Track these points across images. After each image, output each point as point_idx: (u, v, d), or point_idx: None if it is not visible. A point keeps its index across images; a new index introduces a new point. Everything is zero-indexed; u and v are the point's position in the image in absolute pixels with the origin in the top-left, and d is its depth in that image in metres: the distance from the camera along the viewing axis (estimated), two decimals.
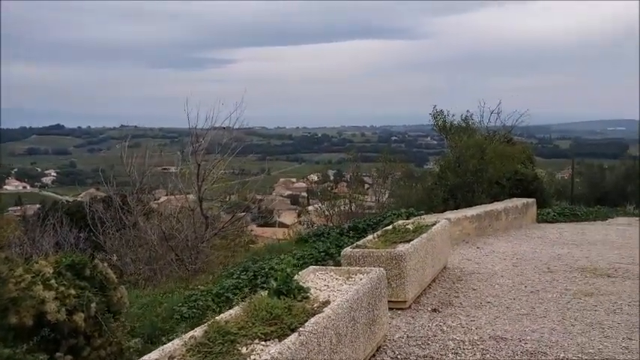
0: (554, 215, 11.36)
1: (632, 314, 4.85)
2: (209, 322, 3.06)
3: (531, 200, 10.73)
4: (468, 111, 13.62)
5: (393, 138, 75.92)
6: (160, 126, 64.48)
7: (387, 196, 15.03)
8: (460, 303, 5.34)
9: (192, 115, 9.97)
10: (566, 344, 4.19)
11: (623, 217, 11.98)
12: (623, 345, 4.16)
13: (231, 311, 3.35)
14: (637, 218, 11.74)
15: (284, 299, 3.45)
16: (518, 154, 13.68)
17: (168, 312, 5.22)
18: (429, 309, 5.19)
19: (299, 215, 21.03)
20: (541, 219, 10.97)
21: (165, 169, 13.57)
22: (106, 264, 4.40)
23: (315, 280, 4.14)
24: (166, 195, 13.88)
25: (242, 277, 6.32)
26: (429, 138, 54.76)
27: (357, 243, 5.73)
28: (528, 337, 4.35)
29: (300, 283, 3.81)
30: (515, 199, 10.85)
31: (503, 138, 13.88)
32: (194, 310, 5.21)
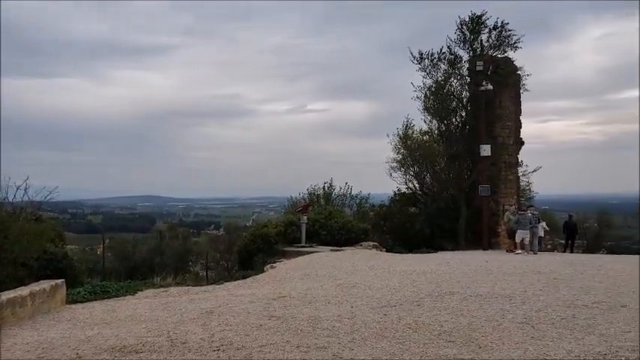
0: (85, 294, 11.11)
1: None
2: None
3: (60, 281, 10.18)
4: None
5: None
6: None
7: None
8: None
9: None
10: None
11: (150, 290, 12.65)
12: None
13: None
14: (163, 289, 12.67)
15: None
16: (48, 232, 13.06)
17: None
18: None
19: None
20: (72, 299, 10.52)
21: None
22: None
23: None
24: None
25: None
26: None
27: None
28: None
29: None
30: (43, 281, 10.08)
31: (31, 215, 12.98)
32: None
